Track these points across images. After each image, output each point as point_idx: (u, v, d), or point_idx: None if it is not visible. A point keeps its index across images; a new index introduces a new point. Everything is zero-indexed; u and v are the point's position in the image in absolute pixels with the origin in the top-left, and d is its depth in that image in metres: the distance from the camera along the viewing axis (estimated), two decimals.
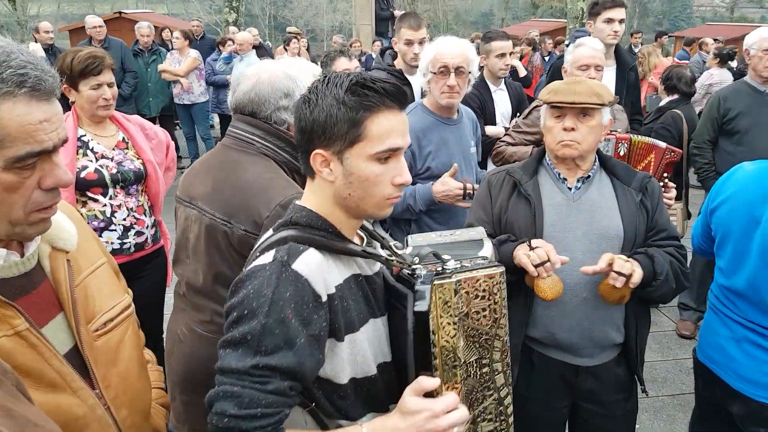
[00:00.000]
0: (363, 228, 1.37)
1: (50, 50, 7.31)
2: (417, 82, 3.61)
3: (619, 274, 1.78)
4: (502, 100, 3.93)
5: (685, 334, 4.19)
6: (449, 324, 1.20)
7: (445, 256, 1.30)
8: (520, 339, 1.99)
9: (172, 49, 8.20)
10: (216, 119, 9.80)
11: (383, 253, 1.29)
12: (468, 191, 2.53)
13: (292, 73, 1.84)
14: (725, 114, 3.75)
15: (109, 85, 2.57)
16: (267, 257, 1.14)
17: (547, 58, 10.13)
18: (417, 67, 3.56)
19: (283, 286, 1.09)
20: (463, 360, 1.23)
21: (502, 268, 1.27)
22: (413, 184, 2.72)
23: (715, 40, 10.82)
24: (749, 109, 3.67)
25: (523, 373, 2.03)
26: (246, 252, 1.56)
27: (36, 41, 7.53)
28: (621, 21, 3.61)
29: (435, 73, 2.61)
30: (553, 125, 1.95)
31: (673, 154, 2.69)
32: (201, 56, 8.16)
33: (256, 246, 1.26)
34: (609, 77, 3.72)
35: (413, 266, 1.26)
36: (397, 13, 10.95)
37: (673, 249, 1.96)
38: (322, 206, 1.23)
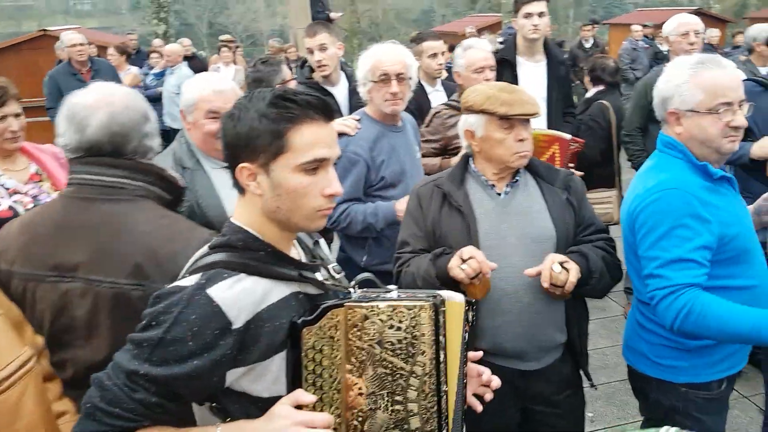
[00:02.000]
0: (304, 246, 1.38)
1: None
2: (339, 92, 3.56)
3: (555, 286, 1.82)
4: (439, 101, 3.93)
5: None
6: (353, 347, 1.20)
7: (391, 287, 1.29)
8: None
9: None
10: None
11: (320, 276, 1.29)
12: None
13: (136, 92, 1.71)
14: (652, 100, 3.85)
15: (16, 116, 2.43)
16: (190, 280, 1.17)
17: None
18: (328, 76, 3.52)
19: (191, 308, 1.11)
20: (369, 390, 1.22)
21: (429, 302, 1.23)
22: (369, 196, 2.67)
23: (644, 26, 11.19)
24: None
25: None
26: None
27: None
28: (540, 14, 3.62)
29: (376, 82, 2.59)
30: (504, 137, 1.94)
31: (576, 144, 2.78)
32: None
33: (188, 265, 1.27)
34: (539, 72, 3.76)
35: (348, 290, 1.28)
36: (334, 15, 10.88)
37: (603, 243, 2.01)
38: (255, 222, 1.24)
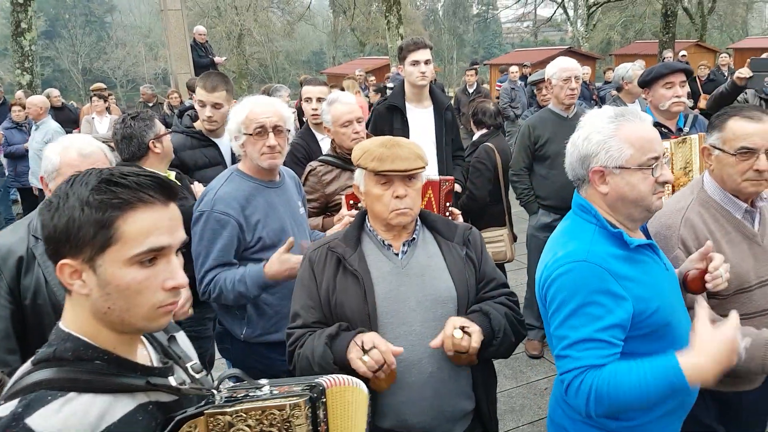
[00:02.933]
0: (155, 344, 1.19)
1: None
2: (223, 144, 3.36)
3: (458, 352, 1.72)
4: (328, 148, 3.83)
5: (534, 353, 4.32)
6: None
7: (263, 381, 1.12)
8: None
9: None
10: (17, 195, 8.67)
11: (174, 380, 1.10)
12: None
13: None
14: (536, 141, 4.00)
15: None
16: (6, 408, 0.97)
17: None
18: (216, 130, 3.34)
19: None
20: None
21: (305, 397, 1.07)
22: (245, 259, 2.45)
23: (523, 65, 11.90)
24: (555, 134, 3.91)
25: None
26: None
27: None
28: (427, 62, 3.68)
29: (251, 135, 2.40)
30: (381, 193, 1.84)
31: (447, 183, 2.76)
32: None
33: (7, 388, 1.04)
34: (427, 117, 3.79)
35: (210, 392, 1.09)
36: (218, 60, 10.66)
37: (505, 299, 1.94)
38: (85, 327, 1.07)
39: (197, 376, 1.15)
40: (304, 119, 3.98)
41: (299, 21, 33.69)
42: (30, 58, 10.52)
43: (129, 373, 1.07)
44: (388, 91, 4.14)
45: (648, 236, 2.05)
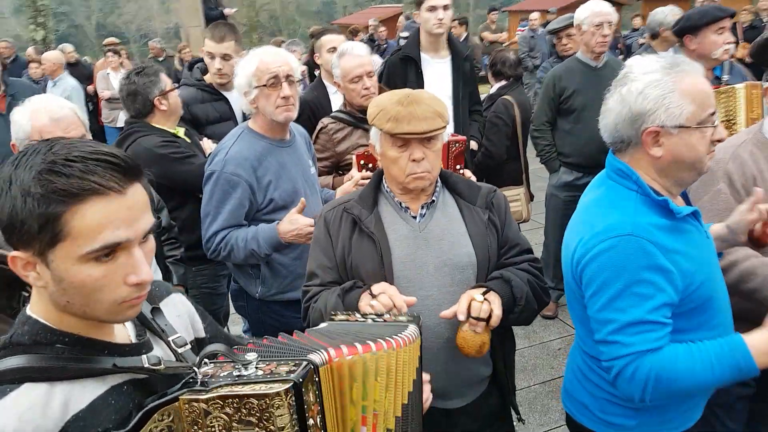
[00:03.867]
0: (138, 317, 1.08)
1: None
2: (234, 98, 3.24)
3: (478, 319, 1.63)
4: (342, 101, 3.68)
5: (548, 314, 4.23)
6: None
7: (250, 355, 1.01)
8: None
9: None
10: None
11: (146, 359, 1.00)
12: None
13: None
14: (561, 93, 3.78)
15: None
16: None
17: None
18: (226, 84, 3.22)
19: None
20: None
21: (288, 384, 0.95)
22: (256, 220, 2.37)
23: (547, 11, 11.41)
24: (583, 86, 3.70)
25: None
26: None
27: None
28: (445, 8, 3.45)
29: (265, 86, 2.28)
30: (397, 156, 1.72)
31: (458, 144, 2.61)
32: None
33: None
34: (444, 69, 3.60)
35: (192, 371, 0.99)
36: (228, 11, 10.36)
37: (528, 265, 1.84)
38: (48, 312, 0.97)
39: (180, 350, 1.06)
40: (316, 72, 3.83)
41: None
42: (43, 13, 10.37)
43: (96, 354, 0.98)
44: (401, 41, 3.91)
45: (688, 201, 1.91)
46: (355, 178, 2.62)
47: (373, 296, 1.62)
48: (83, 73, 8.17)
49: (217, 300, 3.14)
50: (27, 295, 1.42)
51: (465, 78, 3.62)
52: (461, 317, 1.64)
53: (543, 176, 4.30)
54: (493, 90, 4.19)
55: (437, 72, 3.58)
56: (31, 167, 0.88)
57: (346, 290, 1.71)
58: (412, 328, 1.27)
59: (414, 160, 1.70)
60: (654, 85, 1.47)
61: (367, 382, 1.14)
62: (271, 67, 2.28)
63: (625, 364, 1.45)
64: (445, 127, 1.72)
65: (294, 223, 2.24)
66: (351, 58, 2.87)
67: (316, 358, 1.05)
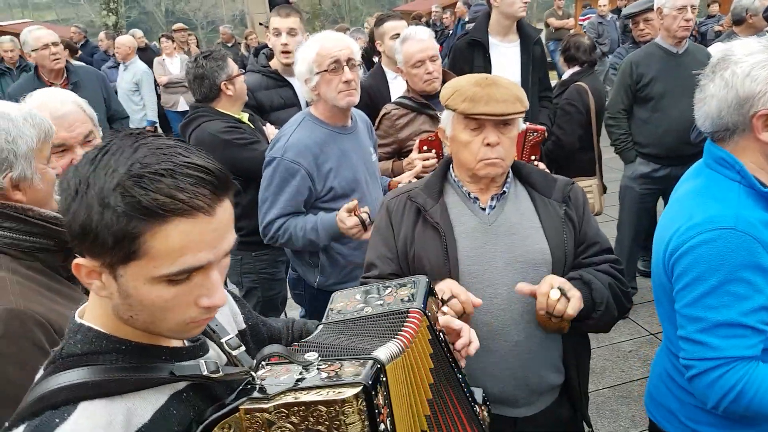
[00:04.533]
0: None
1: None
2: (297, 83, 3.20)
3: (551, 315, 1.50)
4: (402, 88, 3.57)
5: None
6: None
7: (310, 355, 0.93)
8: None
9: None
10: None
11: (204, 366, 0.91)
12: (366, 222, 2.16)
13: (5, 110, 1.30)
14: (638, 80, 3.56)
15: None
16: None
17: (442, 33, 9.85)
18: (290, 65, 3.15)
19: None
20: None
21: (358, 388, 0.87)
22: (316, 208, 2.33)
23: None
24: (663, 73, 3.48)
25: None
26: None
27: None
28: None
29: (326, 71, 2.21)
30: (470, 140, 1.60)
31: (536, 134, 2.47)
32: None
33: (19, 409, 0.86)
34: (513, 54, 3.45)
35: (249, 373, 0.91)
36: None
37: (609, 266, 1.68)
38: (105, 319, 0.88)
39: (234, 353, 0.99)
40: (375, 59, 3.74)
41: None
42: None
43: (153, 360, 0.90)
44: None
45: None
46: (414, 160, 2.53)
47: (443, 301, 1.49)
48: (152, 58, 8.34)
49: (275, 285, 3.14)
50: None
51: (535, 63, 3.46)
52: (541, 312, 1.52)
53: (615, 167, 4.05)
54: (565, 76, 3.99)
55: (506, 56, 3.43)
56: (113, 173, 0.78)
57: None
58: (414, 313, 1.13)
59: (488, 144, 1.58)
60: (762, 66, 1.34)
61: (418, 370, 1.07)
62: (332, 51, 2.22)
63: (709, 368, 1.34)
64: (523, 112, 1.59)
65: (342, 221, 2.19)
66: (414, 43, 2.78)
67: (382, 355, 0.96)
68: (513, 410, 1.69)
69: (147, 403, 0.86)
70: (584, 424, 1.83)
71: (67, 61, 4.13)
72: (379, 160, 2.83)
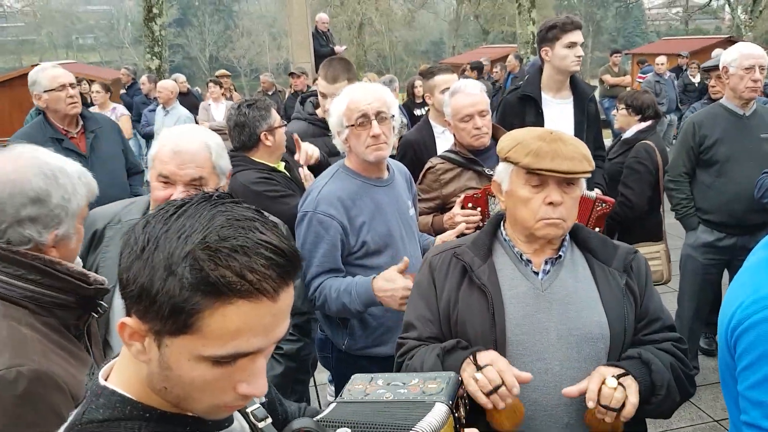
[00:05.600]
0: None
1: None
2: None
3: (607, 408, 1.42)
4: (450, 143, 3.60)
5: None
6: None
7: (342, 431, 0.95)
8: None
9: (92, 104, 7.65)
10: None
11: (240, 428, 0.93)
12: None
13: (56, 170, 1.33)
14: (701, 141, 3.49)
15: None
16: None
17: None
18: None
19: None
20: None
21: None
22: (348, 264, 2.31)
23: (678, 55, 10.94)
24: (728, 135, 3.41)
25: None
26: None
27: None
28: (582, 44, 3.34)
29: (354, 126, 2.25)
30: (530, 197, 1.57)
31: (604, 205, 2.43)
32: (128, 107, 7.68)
33: None
34: (566, 110, 3.44)
35: None
36: (338, 49, 10.77)
37: (671, 345, 1.60)
38: (133, 385, 0.87)
39: (260, 425, 0.97)
40: (416, 112, 3.80)
41: (421, 9, 33.72)
42: (159, 42, 11.27)
43: (177, 430, 0.88)
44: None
45: None
46: (456, 216, 2.50)
47: (479, 368, 1.46)
48: (193, 103, 8.71)
49: (306, 347, 3.09)
50: (96, 317, 1.43)
51: (589, 120, 3.45)
52: (590, 405, 1.44)
53: (675, 234, 3.94)
54: (629, 134, 3.94)
55: (559, 113, 3.43)
56: (186, 239, 0.77)
57: (446, 350, 1.56)
58: (438, 410, 1.10)
59: (551, 203, 1.55)
60: None
61: None
62: (360, 105, 2.24)
63: None
64: (590, 172, 1.56)
65: (390, 281, 2.11)
66: (463, 97, 2.80)
67: (426, 427, 0.97)
68: None
69: None
70: None
71: (83, 108, 3.81)
72: (421, 214, 2.83)
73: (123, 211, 1.94)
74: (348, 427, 0.96)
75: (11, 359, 1.18)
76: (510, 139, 1.63)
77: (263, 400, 1.16)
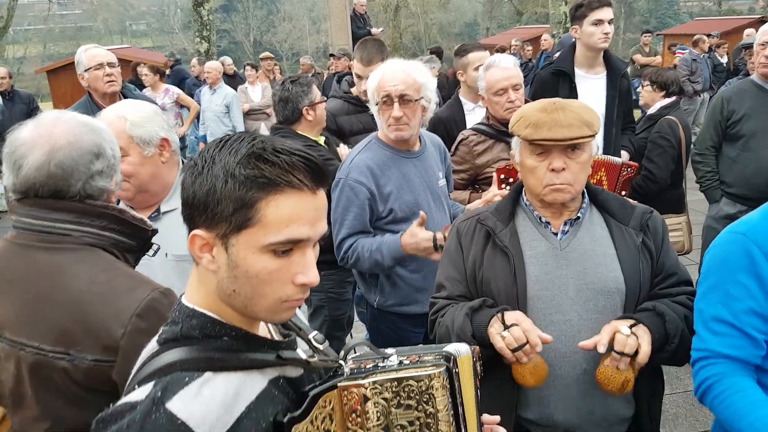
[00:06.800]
0: None
1: (7, 95, 6.99)
2: None
3: (622, 354, 1.47)
4: (479, 119, 3.61)
5: None
6: None
7: (389, 350, 1.04)
8: (511, 421, 1.66)
9: (143, 87, 7.83)
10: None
11: (302, 353, 1.03)
12: (439, 242, 2.19)
13: (93, 123, 1.42)
14: (729, 116, 3.43)
15: None
16: (143, 391, 0.90)
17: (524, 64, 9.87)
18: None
19: None
20: None
21: (441, 368, 0.98)
22: (377, 229, 2.40)
23: (708, 35, 10.56)
24: (755, 110, 3.33)
25: None
26: (98, 385, 1.28)
27: None
28: (610, 22, 3.29)
29: (380, 104, 2.32)
30: (535, 165, 1.62)
31: (629, 170, 2.45)
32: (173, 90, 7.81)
33: (135, 371, 0.99)
34: (599, 85, 3.41)
35: (337, 363, 1.02)
36: (375, 31, 10.73)
37: (686, 298, 1.64)
38: (210, 303, 0.98)
39: (320, 347, 1.07)
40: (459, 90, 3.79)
41: None
42: (207, 27, 11.42)
43: (258, 348, 1.00)
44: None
45: None
46: (494, 196, 2.55)
47: (506, 327, 1.53)
48: (240, 85, 8.82)
49: (342, 305, 3.20)
50: (151, 256, 1.54)
51: (621, 96, 3.41)
52: (602, 349, 1.49)
53: (697, 209, 3.90)
54: (653, 110, 3.90)
55: (592, 88, 3.40)
56: (237, 151, 0.91)
57: (474, 309, 1.63)
58: (458, 344, 1.15)
59: (553, 170, 1.59)
60: None
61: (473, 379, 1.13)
62: (386, 86, 2.28)
63: (696, 359, 1.47)
64: (592, 136, 1.59)
65: (413, 235, 2.22)
66: (498, 71, 2.81)
67: (452, 350, 1.06)
68: None
69: (254, 383, 0.96)
70: None
71: (123, 86, 3.77)
72: (455, 187, 2.87)
73: None
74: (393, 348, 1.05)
75: (149, 284, 1.35)
76: (517, 114, 1.68)
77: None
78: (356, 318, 3.27)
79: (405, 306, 2.48)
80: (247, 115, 8.29)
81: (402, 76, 2.29)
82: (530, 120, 1.60)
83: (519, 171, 1.74)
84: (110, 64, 3.53)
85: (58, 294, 1.30)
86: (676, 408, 3.41)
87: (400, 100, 2.27)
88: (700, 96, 9.30)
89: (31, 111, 6.96)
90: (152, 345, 1.00)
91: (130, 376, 0.99)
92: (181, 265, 1.84)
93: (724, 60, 10.32)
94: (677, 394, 3.53)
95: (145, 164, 1.87)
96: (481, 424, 1.14)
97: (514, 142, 1.73)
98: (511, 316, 1.55)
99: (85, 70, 3.49)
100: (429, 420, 0.97)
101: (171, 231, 1.90)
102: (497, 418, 1.24)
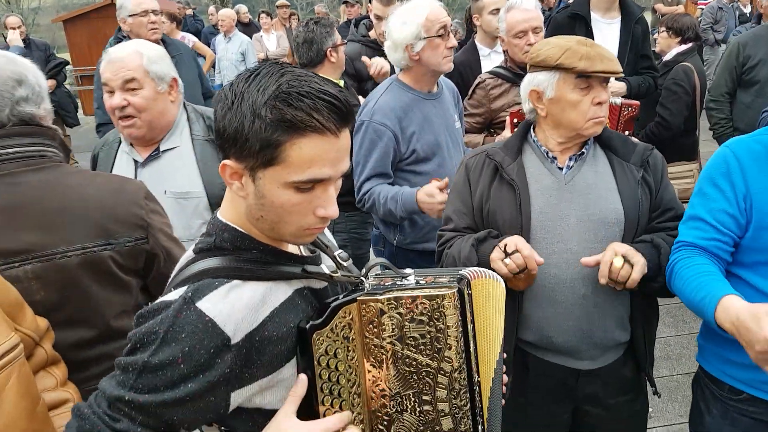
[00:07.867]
0: None
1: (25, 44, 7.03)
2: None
3: (615, 282, 1.58)
4: (495, 64, 3.59)
5: None
6: (371, 346, 1.07)
7: (408, 270, 1.13)
8: (512, 342, 1.78)
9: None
10: None
11: (326, 269, 1.14)
12: None
13: (12, 56, 1.49)
14: (745, 62, 3.42)
15: None
16: (177, 293, 1.02)
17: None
18: None
19: (179, 326, 0.96)
20: (393, 391, 1.08)
21: (453, 289, 1.06)
22: (399, 170, 2.46)
23: None
24: None
25: (518, 379, 1.82)
26: (134, 264, 1.54)
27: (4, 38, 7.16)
28: None
29: (435, 37, 2.34)
30: (579, 99, 1.65)
31: (630, 109, 2.47)
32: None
33: (172, 276, 1.11)
34: (613, 31, 3.38)
35: (359, 279, 1.12)
36: None
37: None
38: (241, 221, 1.08)
39: (345, 264, 1.16)
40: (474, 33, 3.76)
41: None
42: None
43: (285, 262, 1.09)
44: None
45: None
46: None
47: (507, 254, 1.61)
48: (254, 32, 8.76)
49: (363, 245, 3.31)
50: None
51: (635, 41, 3.36)
52: (602, 280, 1.59)
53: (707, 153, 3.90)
54: (669, 56, 3.87)
55: (607, 32, 3.37)
56: (264, 90, 0.95)
57: (479, 240, 1.72)
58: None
59: (599, 103, 1.65)
60: None
61: (492, 304, 1.19)
62: (440, 17, 2.34)
63: (672, 253, 1.61)
64: (622, 72, 1.67)
65: (431, 196, 2.24)
66: (518, 12, 2.78)
67: (467, 273, 1.14)
68: (576, 362, 1.77)
69: (279, 292, 1.06)
70: (648, 384, 1.87)
71: (164, 34, 3.79)
72: (470, 131, 2.90)
73: (112, 135, 2.19)
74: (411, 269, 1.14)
75: (129, 177, 1.63)
76: (554, 47, 1.66)
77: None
78: (372, 256, 3.39)
79: (423, 243, 2.55)
80: None
81: (443, 9, 2.39)
82: (580, 53, 1.61)
83: (543, 107, 1.72)
84: (154, 12, 3.55)
85: (74, 201, 1.45)
86: (681, 348, 3.56)
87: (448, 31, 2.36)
88: (721, 46, 9.08)
89: (48, 58, 7.00)
90: (189, 253, 1.12)
91: (170, 280, 1.11)
92: (179, 203, 1.96)
93: (747, 10, 10.00)
94: (683, 335, 3.67)
95: (158, 99, 1.97)
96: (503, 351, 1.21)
97: (543, 77, 1.69)
98: (511, 241, 1.62)
99: (130, 16, 3.49)
100: (439, 335, 1.06)
101: (170, 169, 2.04)
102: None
